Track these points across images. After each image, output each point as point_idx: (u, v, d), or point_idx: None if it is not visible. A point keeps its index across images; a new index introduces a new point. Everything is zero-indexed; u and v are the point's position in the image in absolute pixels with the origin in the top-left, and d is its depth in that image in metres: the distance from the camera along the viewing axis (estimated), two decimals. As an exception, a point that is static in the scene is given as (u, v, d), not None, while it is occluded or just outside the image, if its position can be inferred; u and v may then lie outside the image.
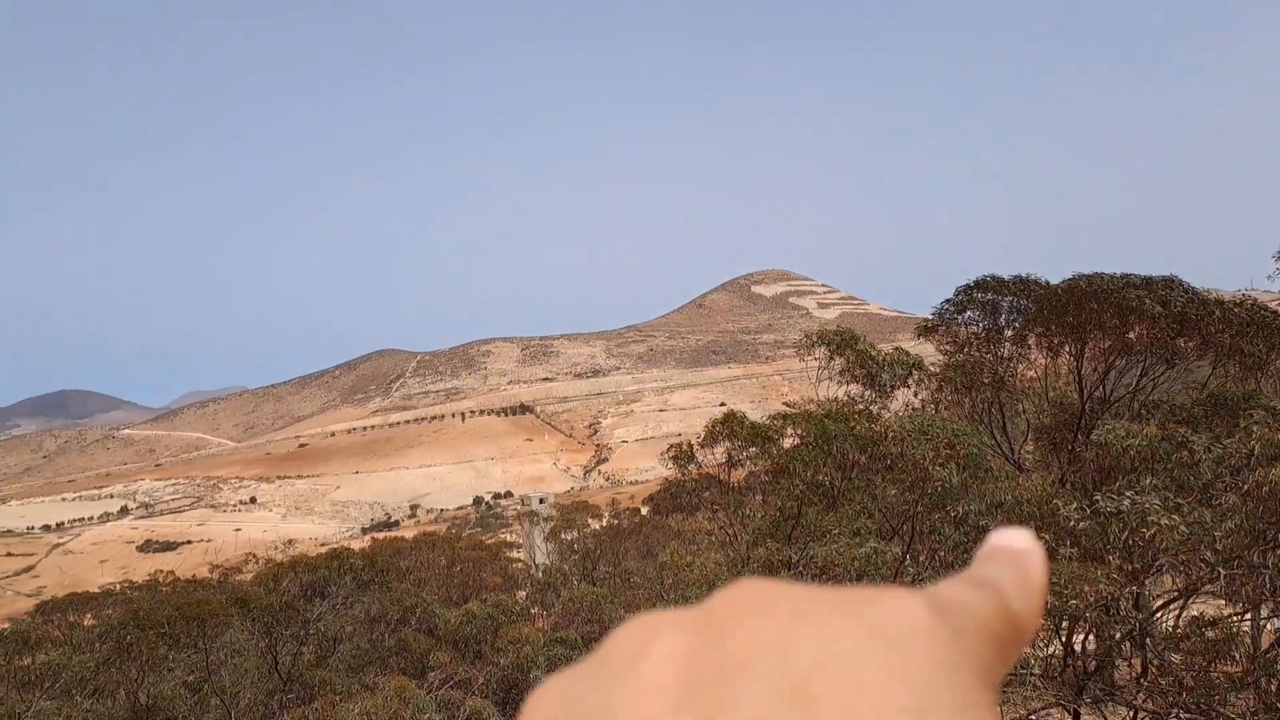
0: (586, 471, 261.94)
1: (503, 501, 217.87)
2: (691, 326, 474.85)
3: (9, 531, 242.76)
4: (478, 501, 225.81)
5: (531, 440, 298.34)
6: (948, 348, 22.77)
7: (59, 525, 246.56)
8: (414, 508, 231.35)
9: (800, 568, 12.67)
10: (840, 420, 15.91)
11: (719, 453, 18.90)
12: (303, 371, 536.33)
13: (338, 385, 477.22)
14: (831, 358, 21.03)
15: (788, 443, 17.83)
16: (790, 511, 16.07)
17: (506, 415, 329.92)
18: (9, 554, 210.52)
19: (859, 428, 16.58)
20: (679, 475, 23.64)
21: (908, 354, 21.71)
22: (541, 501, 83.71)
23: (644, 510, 78.59)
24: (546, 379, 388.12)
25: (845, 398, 20.72)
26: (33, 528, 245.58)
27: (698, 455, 22.16)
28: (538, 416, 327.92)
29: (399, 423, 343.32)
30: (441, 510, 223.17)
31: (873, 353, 21.22)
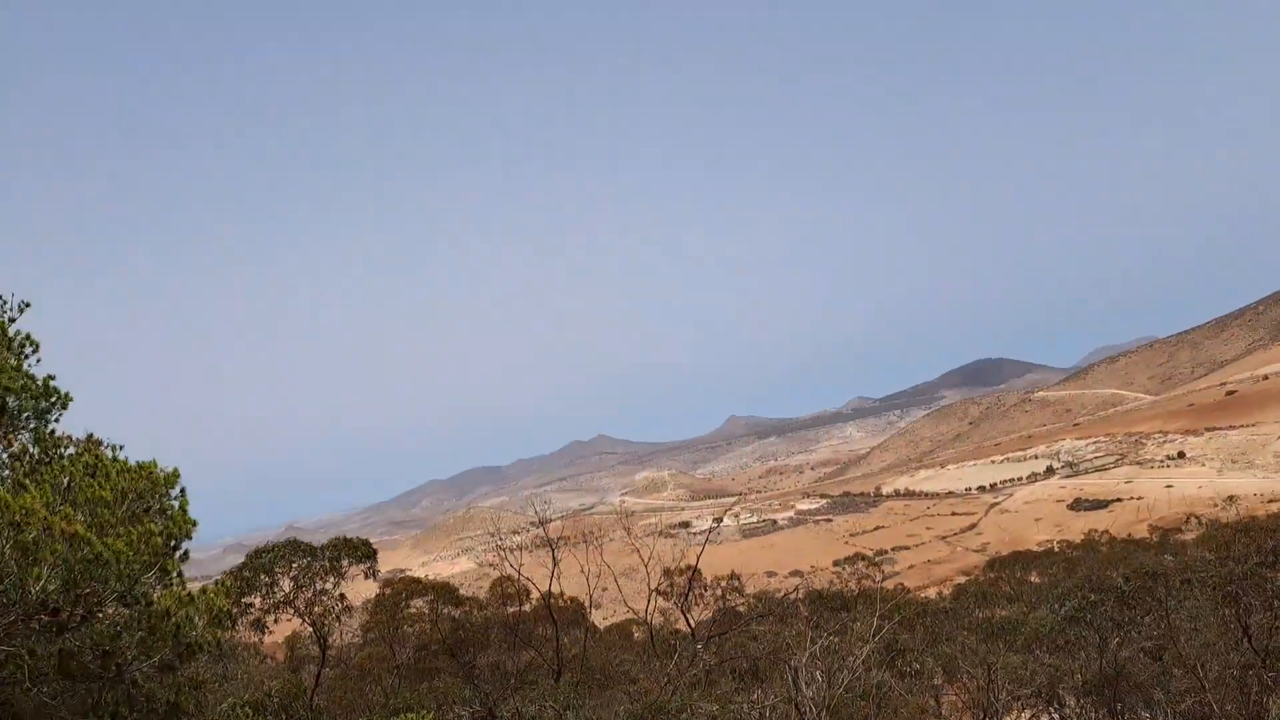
0: None
1: None
2: None
3: (951, 493, 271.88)
4: None
5: None
6: None
7: (992, 486, 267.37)
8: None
9: None
10: None
11: None
12: (1218, 312, 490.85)
13: (1263, 322, 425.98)
14: None
15: None
16: None
17: None
18: (954, 513, 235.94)
19: None
20: None
21: None
22: None
23: None
24: None
25: None
26: (969, 489, 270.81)
27: None
28: None
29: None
30: None
31: None
